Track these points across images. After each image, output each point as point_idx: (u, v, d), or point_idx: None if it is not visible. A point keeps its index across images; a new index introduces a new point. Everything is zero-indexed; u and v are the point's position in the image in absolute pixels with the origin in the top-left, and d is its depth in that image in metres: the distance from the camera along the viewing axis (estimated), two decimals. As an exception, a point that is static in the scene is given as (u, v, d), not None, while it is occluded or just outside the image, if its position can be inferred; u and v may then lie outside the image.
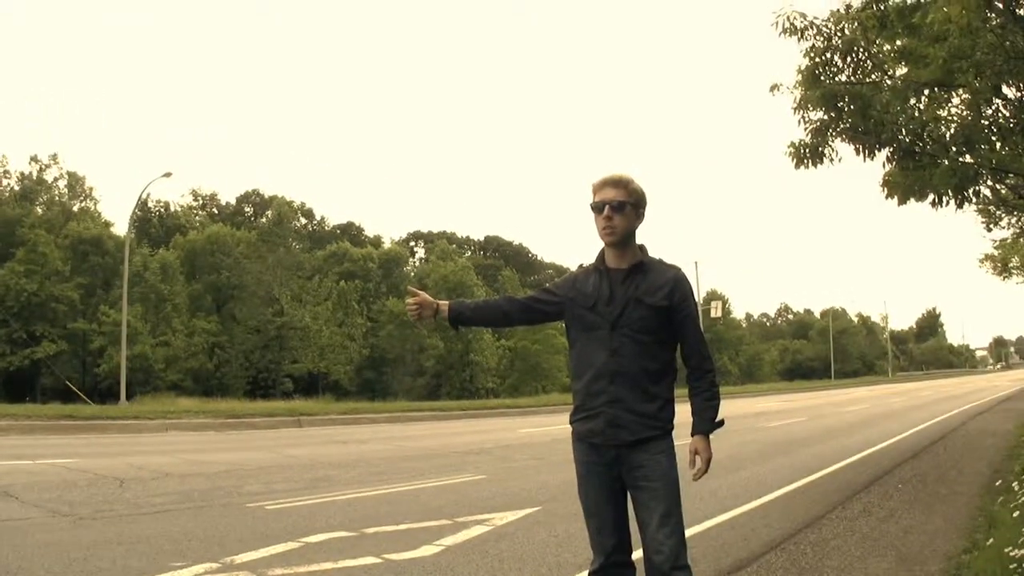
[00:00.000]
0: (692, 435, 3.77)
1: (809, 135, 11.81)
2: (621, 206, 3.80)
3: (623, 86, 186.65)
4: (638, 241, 3.92)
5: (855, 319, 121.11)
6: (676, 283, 3.82)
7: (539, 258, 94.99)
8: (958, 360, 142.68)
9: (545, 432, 18.86)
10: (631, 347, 3.74)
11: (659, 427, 3.72)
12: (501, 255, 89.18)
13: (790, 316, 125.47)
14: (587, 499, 3.86)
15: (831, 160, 11.95)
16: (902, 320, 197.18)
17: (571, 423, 3.94)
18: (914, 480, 10.62)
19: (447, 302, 4.08)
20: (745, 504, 8.65)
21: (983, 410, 27.84)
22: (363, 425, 21.94)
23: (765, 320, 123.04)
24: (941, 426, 20.76)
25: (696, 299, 4.00)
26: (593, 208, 3.86)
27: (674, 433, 3.72)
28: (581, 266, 4.28)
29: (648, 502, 3.68)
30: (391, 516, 7.64)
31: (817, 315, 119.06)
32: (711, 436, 3.77)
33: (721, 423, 3.87)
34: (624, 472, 3.75)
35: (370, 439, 16.99)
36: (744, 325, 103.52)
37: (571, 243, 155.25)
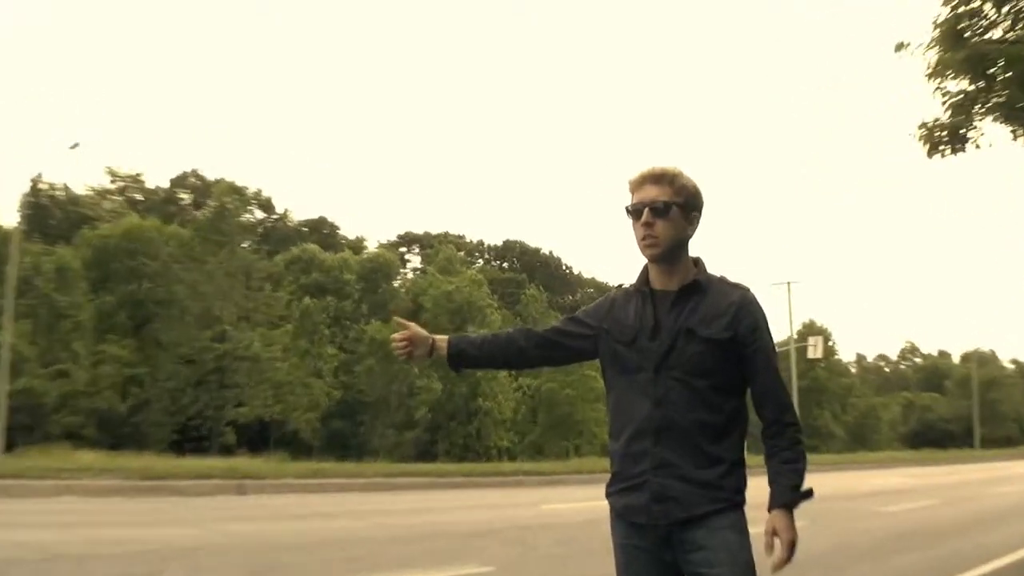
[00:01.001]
0: (769, 510, 3.60)
1: (948, 112, 11.68)
2: (666, 208, 3.67)
3: (679, 55, 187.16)
4: (692, 254, 3.79)
5: (1010, 366, 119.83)
6: (742, 307, 3.69)
7: (576, 272, 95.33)
8: None
9: (577, 509, 18.78)
10: (682, 394, 3.61)
11: (723, 499, 3.59)
12: (524, 266, 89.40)
13: (918, 360, 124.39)
14: None
15: (977, 146, 11.80)
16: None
17: (607, 496, 3.87)
18: None
19: (446, 337, 4.06)
20: None
21: None
22: (330, 494, 21.94)
23: (883, 365, 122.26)
24: None
25: (775, 331, 3.98)
26: (630, 212, 3.77)
27: (746, 508, 3.58)
28: (620, 287, 4.08)
29: None
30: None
31: (956, 359, 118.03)
32: (796, 511, 3.57)
33: (809, 493, 3.65)
34: (680, 558, 3.61)
35: (339, 513, 16.99)
36: (854, 371, 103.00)
37: (617, 255, 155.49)
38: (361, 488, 23.64)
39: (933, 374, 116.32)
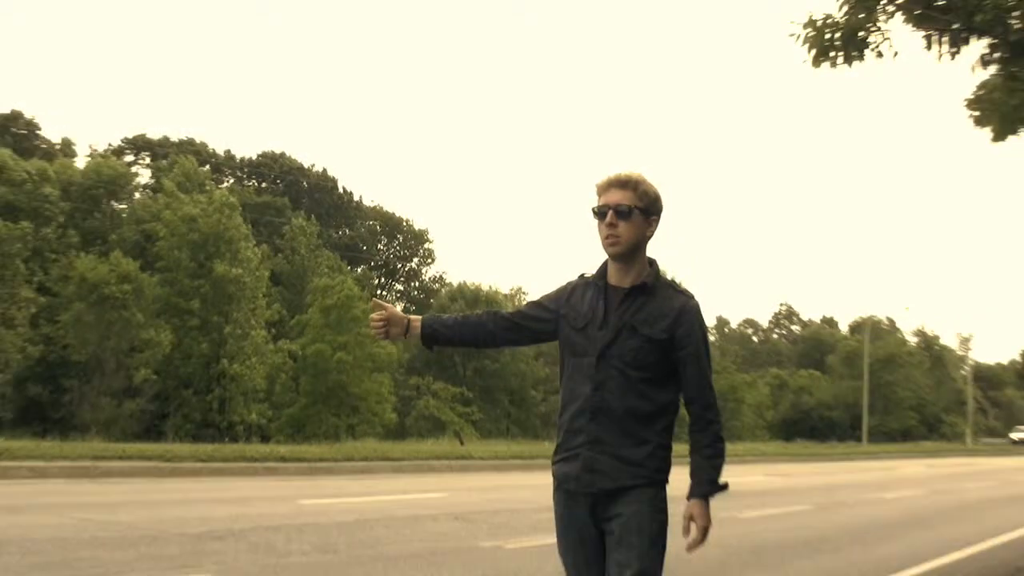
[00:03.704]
0: (688, 498, 5.01)
1: (845, 9, 11.72)
2: (629, 212, 4.98)
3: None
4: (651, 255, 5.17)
5: (911, 340, 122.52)
6: (682, 314, 5.02)
7: (359, 200, 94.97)
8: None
9: (346, 506, 19.05)
10: (618, 382, 4.96)
11: (644, 476, 4.95)
12: (288, 188, 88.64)
13: (796, 329, 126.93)
14: (565, 558, 5.19)
15: (880, 54, 11.91)
16: (996, 349, 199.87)
17: (552, 464, 5.23)
18: None
19: (418, 318, 5.37)
20: None
21: None
22: (21, 481, 21.75)
23: (751, 333, 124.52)
24: None
25: (705, 332, 5.22)
26: (595, 213, 5.07)
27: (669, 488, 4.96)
28: (582, 276, 5.34)
29: (619, 559, 4.90)
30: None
31: (844, 329, 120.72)
32: (712, 500, 4.99)
33: (725, 486, 5.06)
34: (603, 525, 4.99)
35: (27, 506, 16.89)
36: (712, 339, 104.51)
37: (409, 181, 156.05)
38: (63, 473, 23.33)
39: (814, 347, 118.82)
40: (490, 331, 5.47)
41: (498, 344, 5.62)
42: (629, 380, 4.92)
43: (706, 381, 5.08)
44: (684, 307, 5.02)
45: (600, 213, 5.02)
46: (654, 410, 4.97)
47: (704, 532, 4.95)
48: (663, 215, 5.16)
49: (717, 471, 5.01)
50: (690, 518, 4.96)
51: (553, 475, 5.19)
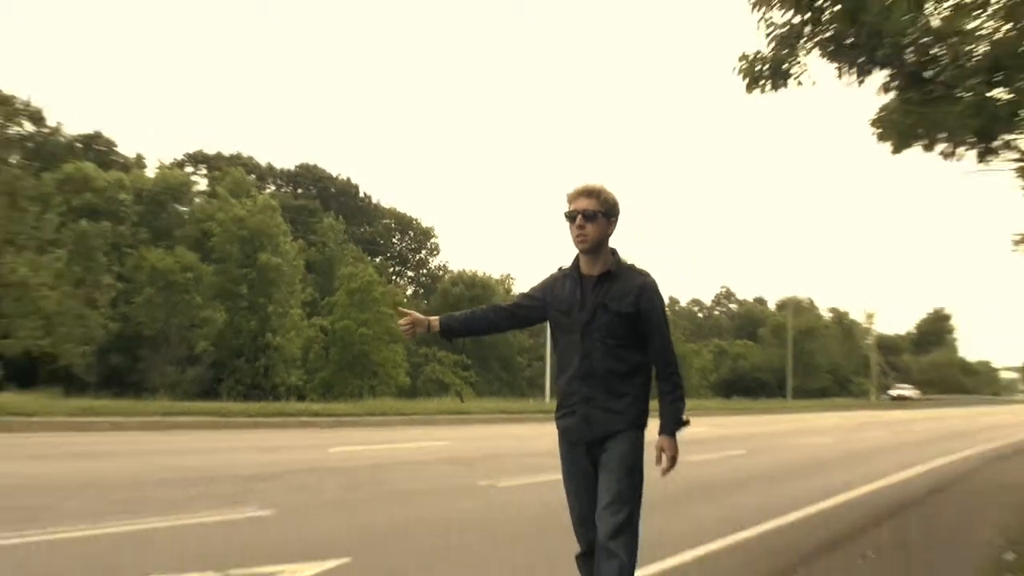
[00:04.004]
0: (659, 435, 5.44)
1: (772, 45, 11.67)
2: (593, 215, 5.38)
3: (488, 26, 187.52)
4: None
5: (827, 316, 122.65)
6: (643, 290, 5.43)
7: (376, 202, 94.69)
8: (974, 382, 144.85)
9: (367, 452, 19.01)
10: (600, 350, 5.39)
11: (626, 421, 5.37)
12: (320, 193, 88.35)
13: (733, 306, 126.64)
14: (568, 493, 5.60)
15: (799, 83, 11.82)
16: (897, 322, 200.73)
17: (555, 419, 5.64)
18: (890, 549, 10.30)
19: (436, 318, 5.78)
20: (645, 568, 8.39)
21: (1004, 455, 27.41)
22: (103, 433, 21.62)
23: (696, 310, 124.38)
24: (940, 474, 20.58)
25: (662, 302, 5.58)
26: (567, 217, 5.45)
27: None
28: (560, 269, 5.73)
29: (605, 482, 5.36)
30: (135, 566, 7.65)
31: (772, 306, 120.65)
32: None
33: (687, 423, 5.51)
34: (596, 459, 5.43)
35: (112, 453, 16.81)
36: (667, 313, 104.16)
37: (420, 190, 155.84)
38: (138, 427, 23.36)
39: (748, 321, 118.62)
40: (492, 321, 5.96)
41: (501, 330, 6.05)
42: (608, 347, 5.37)
43: (667, 343, 5.52)
44: (644, 284, 5.45)
45: (571, 217, 5.41)
46: (629, 369, 5.42)
47: (673, 460, 5.44)
48: (620, 216, 5.52)
49: (679, 412, 5.47)
50: (661, 450, 5.43)
51: (557, 427, 5.63)
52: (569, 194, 5.50)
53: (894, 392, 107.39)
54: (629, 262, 5.59)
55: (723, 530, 10.98)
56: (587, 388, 5.41)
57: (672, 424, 5.44)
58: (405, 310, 5.74)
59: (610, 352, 5.38)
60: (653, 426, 5.48)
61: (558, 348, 5.65)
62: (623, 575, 5.31)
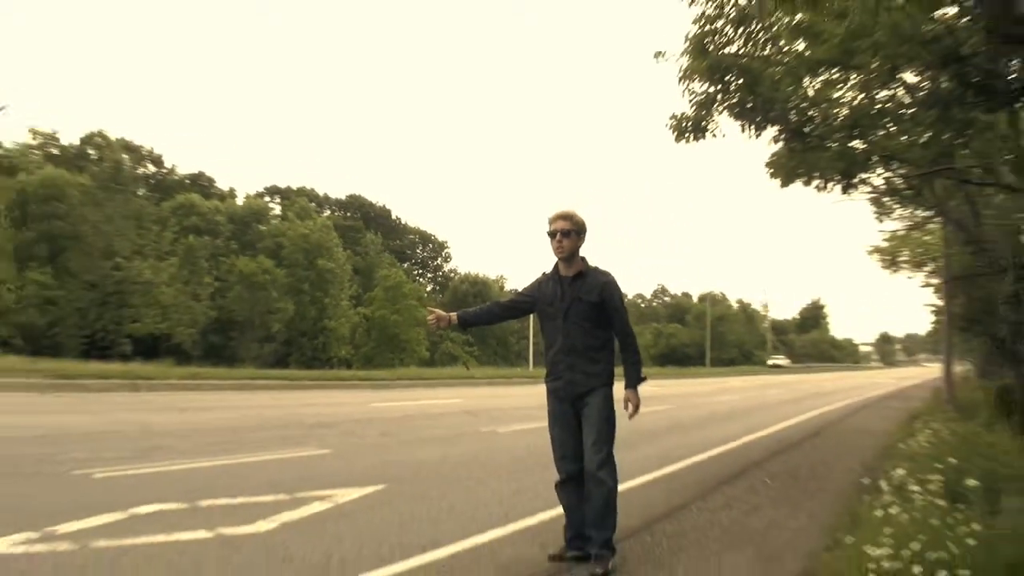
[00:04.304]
0: (624, 388, 5.71)
1: (693, 108, 11.68)
2: (567, 233, 5.71)
3: (488, 56, 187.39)
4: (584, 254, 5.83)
5: (735, 305, 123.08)
6: (605, 286, 5.71)
7: (403, 222, 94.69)
8: (840, 354, 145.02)
9: (398, 407, 18.97)
10: (577, 330, 5.68)
11: (600, 382, 5.67)
12: (363, 216, 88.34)
13: (667, 299, 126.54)
14: (553, 437, 5.80)
15: (714, 135, 11.85)
16: (785, 310, 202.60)
17: (546, 382, 5.89)
18: (783, 475, 10.63)
19: (455, 313, 6.01)
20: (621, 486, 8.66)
21: (862, 407, 28.09)
22: (205, 392, 21.55)
23: (640, 301, 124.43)
24: (816, 421, 20.86)
25: (620, 293, 5.85)
26: (548, 234, 5.75)
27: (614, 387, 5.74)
28: (544, 274, 5.98)
29: (588, 428, 5.62)
30: (229, 489, 7.63)
31: (695, 299, 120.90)
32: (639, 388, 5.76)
33: (644, 379, 5.80)
34: (578, 411, 5.67)
35: (212, 407, 16.79)
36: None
37: (435, 208, 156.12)
38: (230, 388, 23.32)
39: (677, 310, 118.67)
40: (496, 314, 6.24)
41: (503, 320, 6.31)
42: (583, 328, 5.68)
43: (625, 322, 5.83)
44: (606, 281, 5.75)
45: (552, 235, 5.76)
46: (601, 344, 5.73)
47: (636, 407, 5.74)
48: (587, 232, 5.83)
49: (638, 371, 5.78)
50: (627, 400, 5.72)
51: (547, 388, 5.87)
52: (550, 217, 5.79)
53: (770, 362, 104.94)
54: (594, 265, 5.84)
55: (661, 464, 11.16)
56: (570, 359, 5.67)
57: (635, 380, 5.75)
58: (432, 308, 6.03)
59: (585, 332, 5.67)
60: (618, 386, 5.78)
61: (544, 331, 5.90)
62: (610, 496, 5.61)
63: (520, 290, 6.31)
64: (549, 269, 5.95)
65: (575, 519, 5.78)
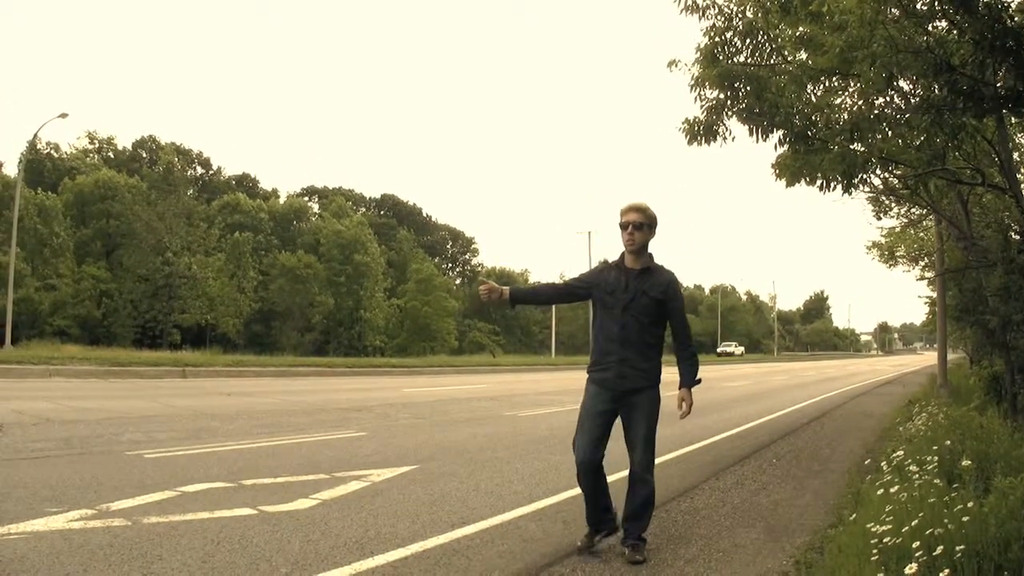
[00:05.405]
0: (680, 388, 5.41)
1: (704, 113, 11.64)
2: (640, 226, 5.35)
3: (512, 58, 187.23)
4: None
5: (744, 297, 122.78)
6: (670, 284, 5.39)
7: (434, 219, 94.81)
8: (843, 343, 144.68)
9: (429, 392, 19.02)
10: (635, 324, 5.30)
11: (650, 379, 5.32)
12: (396, 214, 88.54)
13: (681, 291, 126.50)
14: (583, 423, 5.36)
15: (724, 139, 11.82)
16: (791, 301, 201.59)
17: (588, 372, 5.47)
18: (789, 456, 10.65)
19: (507, 287, 5.58)
20: (618, 473, 8.63)
21: (863, 392, 27.77)
22: (249, 378, 21.70)
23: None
24: (821, 405, 20.64)
25: (682, 294, 5.60)
26: (620, 226, 5.39)
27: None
28: (605, 261, 5.79)
29: (636, 428, 5.32)
30: (271, 469, 7.69)
31: (707, 291, 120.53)
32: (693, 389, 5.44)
33: (700, 380, 5.48)
34: (623, 408, 5.34)
35: (255, 392, 16.87)
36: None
37: (463, 205, 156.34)
38: (272, 375, 23.45)
39: (690, 301, 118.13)
40: (549, 295, 6.09)
41: (553, 303, 6.42)
42: (641, 323, 5.31)
43: (685, 322, 5.55)
44: (670, 279, 5.42)
45: (624, 226, 5.38)
46: (654, 341, 5.39)
47: (690, 407, 5.45)
48: (657, 227, 5.51)
49: (696, 371, 5.46)
50: (682, 399, 5.43)
51: (590, 377, 5.45)
52: (623, 208, 5.46)
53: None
54: (658, 262, 5.54)
55: (680, 444, 11.13)
56: (624, 351, 5.29)
57: (691, 380, 5.43)
58: (486, 280, 5.73)
59: (642, 327, 5.30)
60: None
61: (598, 320, 5.50)
62: (651, 495, 5.45)
63: (577, 276, 5.84)
64: (613, 258, 5.65)
65: (601, 503, 5.52)
